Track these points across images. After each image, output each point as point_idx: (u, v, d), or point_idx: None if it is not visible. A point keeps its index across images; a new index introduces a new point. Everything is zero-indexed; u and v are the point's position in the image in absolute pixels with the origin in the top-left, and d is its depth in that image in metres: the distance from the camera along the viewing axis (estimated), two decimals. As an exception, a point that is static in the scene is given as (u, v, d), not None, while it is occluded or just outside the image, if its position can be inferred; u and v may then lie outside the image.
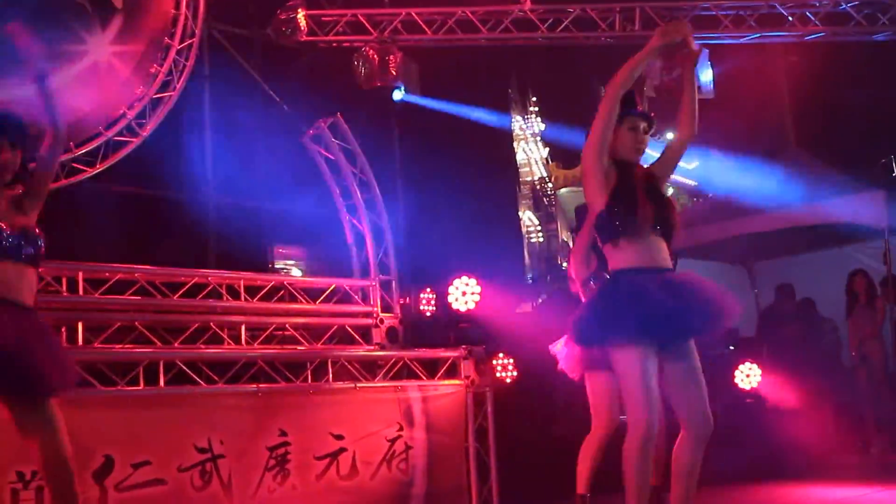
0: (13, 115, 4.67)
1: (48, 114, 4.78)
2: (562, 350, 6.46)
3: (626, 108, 4.90)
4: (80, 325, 7.14)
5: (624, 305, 4.62)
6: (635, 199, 4.77)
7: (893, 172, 11.45)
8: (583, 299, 6.34)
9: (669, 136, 5.07)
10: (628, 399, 4.66)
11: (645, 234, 4.74)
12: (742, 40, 12.43)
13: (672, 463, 4.77)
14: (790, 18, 11.92)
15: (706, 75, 11.87)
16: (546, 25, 12.11)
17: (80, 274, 7.26)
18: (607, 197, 4.77)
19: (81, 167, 9.46)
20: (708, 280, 5.01)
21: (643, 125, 4.94)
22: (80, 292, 7.20)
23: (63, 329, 7.00)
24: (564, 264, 18.52)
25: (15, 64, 9.31)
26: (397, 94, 11.79)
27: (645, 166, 5.02)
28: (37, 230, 4.60)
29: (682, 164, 5.17)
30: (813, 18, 11.88)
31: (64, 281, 7.20)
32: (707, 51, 12.12)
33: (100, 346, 7.11)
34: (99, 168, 9.68)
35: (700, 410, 4.71)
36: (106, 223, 10.55)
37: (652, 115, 5.06)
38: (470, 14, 12.04)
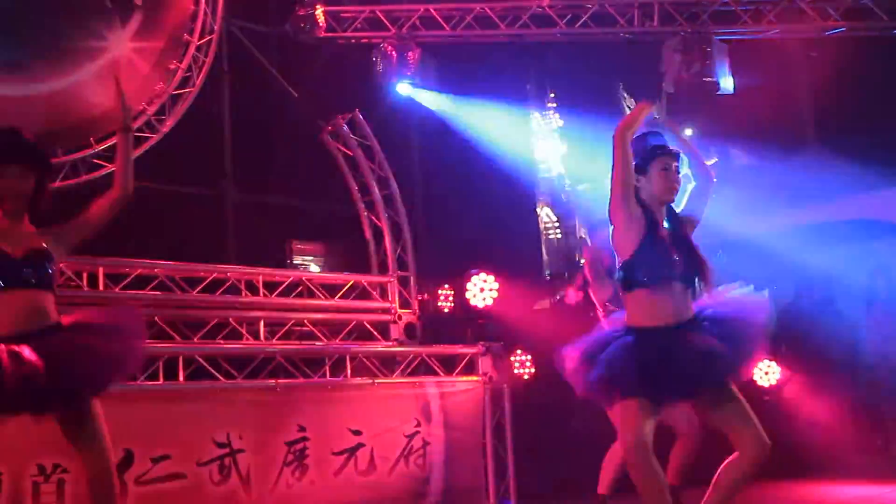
0: (26, 138, 4.64)
1: (121, 170, 4.82)
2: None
3: (656, 149, 4.86)
4: (100, 321, 7.21)
5: (635, 370, 4.58)
6: (661, 254, 4.74)
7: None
8: (601, 317, 6.38)
9: (688, 132, 5.03)
10: (620, 432, 4.74)
11: (667, 288, 4.71)
12: (761, 35, 12.38)
13: (719, 473, 4.77)
14: (810, 13, 11.87)
15: (725, 72, 11.84)
16: (564, 21, 12.07)
17: (101, 269, 7.34)
18: (633, 249, 4.73)
19: (101, 163, 9.51)
20: (734, 309, 4.96)
21: (675, 164, 4.86)
22: (101, 287, 7.28)
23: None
24: (581, 260, 18.49)
25: (39, 55, 9.45)
26: (404, 89, 11.78)
27: (677, 210, 4.96)
28: (45, 252, 4.51)
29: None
30: (833, 13, 11.81)
31: (84, 276, 7.27)
32: (726, 46, 12.11)
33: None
34: (119, 164, 9.73)
35: (755, 437, 4.71)
36: (125, 219, 10.59)
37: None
38: (488, 10, 12.02)
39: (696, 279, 4.81)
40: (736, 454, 4.73)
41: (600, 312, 6.48)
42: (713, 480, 4.73)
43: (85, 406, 4.40)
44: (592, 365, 4.75)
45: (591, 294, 6.67)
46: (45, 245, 4.51)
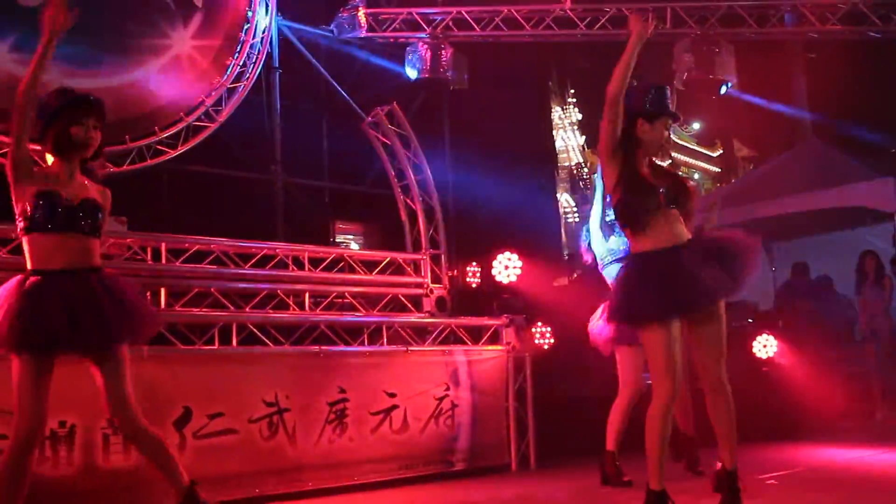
0: (99, 99, 4.66)
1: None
2: (595, 327, 6.45)
3: (668, 108, 4.84)
4: (162, 291, 7.26)
5: (648, 289, 4.59)
6: (643, 187, 4.71)
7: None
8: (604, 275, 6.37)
9: (696, 126, 4.97)
10: (655, 373, 4.64)
11: (658, 217, 4.67)
12: (765, 37, 12.28)
13: (711, 420, 4.79)
14: (810, 17, 11.76)
15: (731, 71, 11.75)
16: (584, 23, 12.02)
17: (163, 245, 7.36)
18: (619, 188, 4.72)
19: (165, 149, 9.57)
20: (727, 236, 4.96)
21: (671, 127, 4.87)
22: (163, 261, 7.30)
23: (148, 294, 7.09)
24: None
25: (110, 52, 9.49)
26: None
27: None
28: (97, 203, 4.52)
29: (707, 151, 5.10)
30: (832, 18, 11.70)
31: (149, 251, 7.30)
32: (732, 47, 12.00)
33: (180, 309, 7.21)
34: (180, 150, 9.80)
35: (715, 376, 4.70)
36: (186, 199, 10.67)
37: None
38: (515, 12, 11.98)
39: (684, 203, 4.79)
40: (707, 400, 4.75)
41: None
42: (716, 434, 4.71)
43: (109, 346, 4.40)
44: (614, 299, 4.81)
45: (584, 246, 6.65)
46: (97, 196, 4.54)
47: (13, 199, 4.41)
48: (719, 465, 4.90)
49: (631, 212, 4.70)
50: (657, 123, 4.81)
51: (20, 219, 4.39)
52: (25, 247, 4.39)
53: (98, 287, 4.37)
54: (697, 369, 4.83)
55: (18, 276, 4.34)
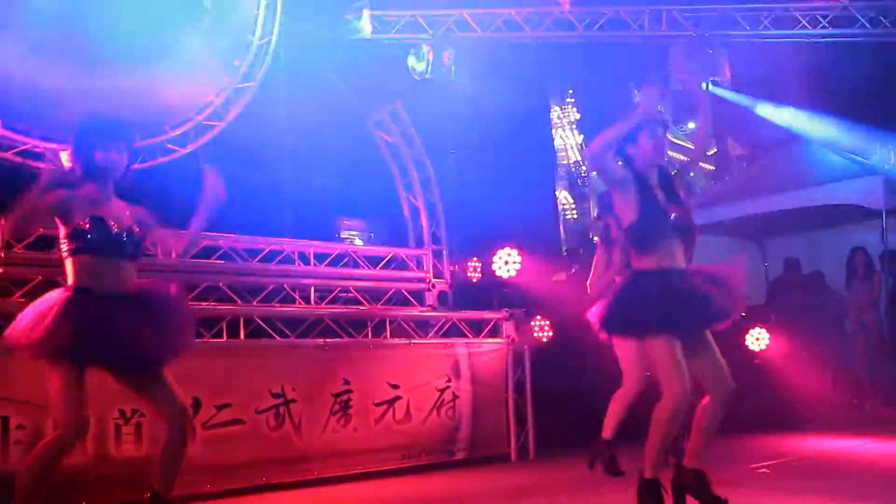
0: (125, 121, 4.67)
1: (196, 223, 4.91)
2: (593, 315, 6.40)
3: (642, 121, 4.79)
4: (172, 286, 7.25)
5: (652, 301, 4.58)
6: (659, 216, 4.72)
7: (891, 160, 11.30)
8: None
9: (691, 125, 4.94)
10: (665, 377, 4.57)
11: (665, 242, 4.70)
12: (758, 39, 12.27)
13: (696, 420, 4.75)
14: (802, 20, 11.75)
15: (724, 71, 11.76)
16: (583, 25, 12.01)
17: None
18: (635, 214, 4.69)
19: (174, 147, 9.54)
20: (719, 268, 4.97)
21: (660, 131, 4.82)
22: (173, 256, 7.29)
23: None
24: (595, 238, 18.44)
25: (123, 53, 9.49)
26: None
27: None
28: (137, 233, 4.61)
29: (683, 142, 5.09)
30: (822, 20, 11.69)
31: (159, 246, 7.29)
32: (726, 49, 11.98)
33: (189, 303, 7.20)
34: (189, 148, 9.77)
35: (723, 384, 4.69)
36: (195, 197, 10.65)
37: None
38: (515, 15, 11.97)
39: (688, 235, 4.81)
40: (707, 400, 4.70)
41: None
42: (694, 427, 4.70)
43: (151, 368, 4.47)
44: (611, 309, 4.79)
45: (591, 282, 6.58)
46: (134, 224, 4.59)
47: (58, 223, 4.44)
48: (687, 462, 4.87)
49: (643, 234, 4.70)
50: (639, 140, 4.77)
51: (67, 241, 4.42)
52: (70, 266, 4.43)
53: (141, 311, 4.42)
54: (700, 380, 4.80)
55: (63, 291, 4.37)
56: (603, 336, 6.25)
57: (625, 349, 6.27)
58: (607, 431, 6.33)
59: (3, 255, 6.20)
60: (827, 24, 11.66)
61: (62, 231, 4.45)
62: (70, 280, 4.42)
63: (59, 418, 4.25)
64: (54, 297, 4.33)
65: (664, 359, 4.54)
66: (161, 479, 4.43)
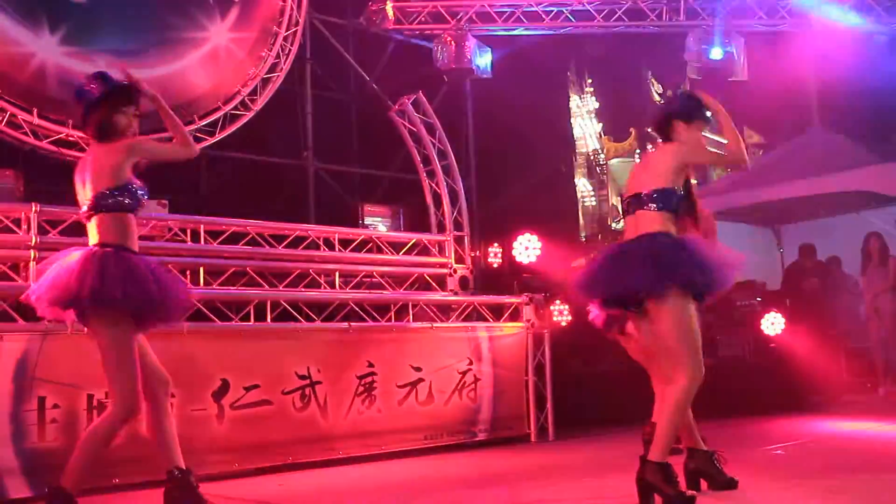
0: (140, 88, 4.64)
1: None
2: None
3: (705, 114, 4.91)
4: (201, 270, 7.28)
5: (684, 260, 4.51)
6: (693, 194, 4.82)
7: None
8: None
9: (707, 113, 4.92)
10: (684, 345, 4.47)
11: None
12: (775, 28, 12.18)
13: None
14: (817, 9, 11.66)
15: (741, 61, 11.67)
16: (601, 16, 11.97)
17: (202, 226, 7.37)
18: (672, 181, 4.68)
19: (203, 136, 9.59)
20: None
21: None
22: (202, 242, 7.32)
23: (188, 272, 7.13)
24: (614, 225, 18.37)
25: (153, 44, 9.52)
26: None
27: None
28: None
29: (719, 138, 5.07)
30: (837, 11, 11.62)
31: (189, 232, 7.32)
32: (743, 38, 11.90)
33: (218, 287, 7.24)
34: (218, 137, 9.83)
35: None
36: (223, 184, 10.71)
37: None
38: (535, 5, 11.94)
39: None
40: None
41: None
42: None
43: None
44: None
45: None
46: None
47: (101, 172, 4.41)
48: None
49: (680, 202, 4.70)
50: (692, 127, 4.86)
51: (115, 195, 4.38)
52: (106, 222, 4.38)
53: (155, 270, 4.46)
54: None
55: (98, 248, 4.34)
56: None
57: (624, 342, 5.97)
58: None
59: (38, 240, 6.22)
60: (844, 12, 11.60)
61: (107, 184, 4.39)
62: (102, 237, 4.37)
63: (120, 392, 4.26)
64: (105, 256, 4.28)
65: (685, 322, 4.47)
66: (171, 454, 4.46)
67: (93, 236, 4.43)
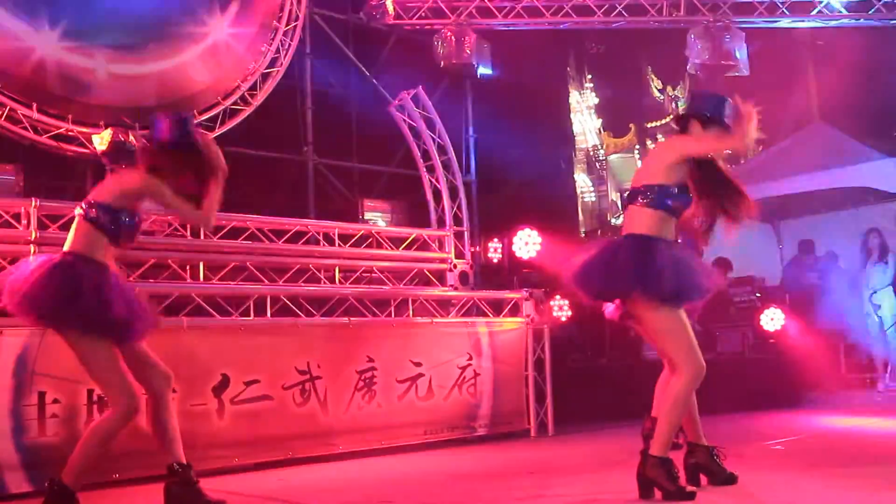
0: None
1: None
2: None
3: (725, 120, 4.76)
4: (201, 265, 7.29)
5: (669, 269, 4.46)
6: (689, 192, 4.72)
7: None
8: None
9: (727, 121, 4.82)
10: (674, 345, 4.51)
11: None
12: (775, 25, 12.17)
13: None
14: (818, 5, 11.64)
15: (742, 55, 11.66)
16: (601, 11, 11.94)
17: (202, 222, 7.35)
18: (675, 179, 4.63)
19: (203, 131, 9.56)
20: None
21: None
22: (202, 237, 7.32)
23: (188, 267, 7.13)
24: (613, 220, 18.37)
25: (152, 39, 9.50)
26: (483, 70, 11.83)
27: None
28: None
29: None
30: (837, 6, 11.60)
31: (188, 227, 7.31)
32: (743, 34, 11.88)
33: (218, 282, 7.24)
34: (218, 132, 9.80)
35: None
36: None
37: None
38: (535, 1, 11.91)
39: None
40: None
41: None
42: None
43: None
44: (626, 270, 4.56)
45: None
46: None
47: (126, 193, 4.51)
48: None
49: (677, 202, 4.65)
50: (710, 131, 4.74)
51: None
52: (89, 233, 4.43)
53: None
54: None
55: (68, 258, 4.37)
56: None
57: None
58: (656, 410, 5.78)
59: (37, 234, 6.21)
60: (843, 10, 11.58)
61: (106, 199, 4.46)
62: (75, 247, 4.41)
63: (115, 396, 4.30)
64: (78, 269, 4.33)
65: (680, 328, 4.48)
66: (172, 449, 4.47)
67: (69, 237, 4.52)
